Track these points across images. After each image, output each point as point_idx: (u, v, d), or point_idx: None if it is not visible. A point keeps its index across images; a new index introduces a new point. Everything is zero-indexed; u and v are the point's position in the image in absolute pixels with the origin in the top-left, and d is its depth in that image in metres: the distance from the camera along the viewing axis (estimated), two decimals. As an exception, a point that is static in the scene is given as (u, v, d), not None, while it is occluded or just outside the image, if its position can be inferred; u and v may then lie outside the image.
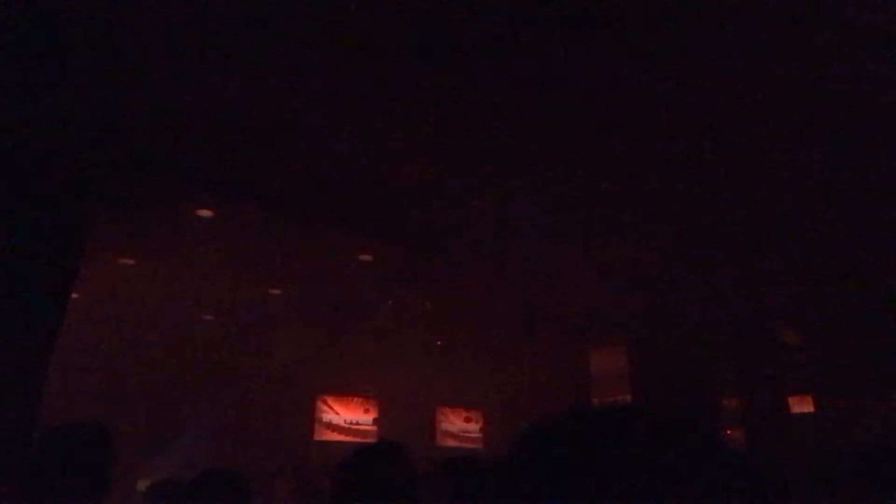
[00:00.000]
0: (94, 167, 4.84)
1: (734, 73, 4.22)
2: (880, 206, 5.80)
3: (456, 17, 3.75)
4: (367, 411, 11.96)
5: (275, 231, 6.73)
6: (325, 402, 11.49)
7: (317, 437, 11.10)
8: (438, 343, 11.19)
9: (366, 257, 7.55)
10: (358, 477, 1.87)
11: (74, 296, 6.04)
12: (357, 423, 11.74)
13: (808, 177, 5.47)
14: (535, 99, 4.56)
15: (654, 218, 6.23)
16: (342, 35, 3.90)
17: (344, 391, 11.70)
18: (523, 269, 7.81)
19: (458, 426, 12.90)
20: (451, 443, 12.44)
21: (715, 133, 4.90)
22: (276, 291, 8.69)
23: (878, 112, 4.53)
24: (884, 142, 4.88)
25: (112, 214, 5.86)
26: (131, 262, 7.56)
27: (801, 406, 10.45)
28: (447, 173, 5.61)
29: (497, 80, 4.36)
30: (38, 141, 4.31)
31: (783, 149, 5.08)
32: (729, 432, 8.81)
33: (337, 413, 11.58)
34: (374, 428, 11.86)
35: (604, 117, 4.75)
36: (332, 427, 11.42)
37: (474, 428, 13.02)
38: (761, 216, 6.20)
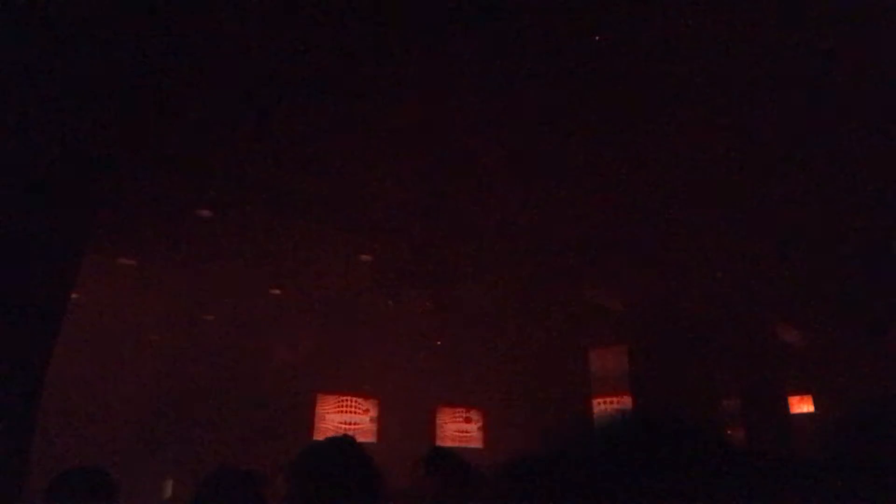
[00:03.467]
0: (95, 167, 4.84)
1: (734, 71, 4.22)
2: (881, 205, 5.80)
3: (456, 15, 3.75)
4: (366, 411, 11.97)
5: (275, 231, 6.73)
6: (324, 402, 11.50)
7: (317, 437, 11.10)
8: (438, 343, 11.19)
9: (366, 257, 7.55)
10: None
11: (74, 296, 6.04)
12: (357, 423, 11.75)
13: (808, 176, 5.47)
14: (535, 98, 4.56)
15: (654, 218, 6.23)
16: (342, 33, 3.89)
17: (344, 391, 11.71)
18: (523, 269, 7.81)
19: (458, 426, 12.90)
20: (451, 443, 12.44)
21: (716, 132, 4.90)
22: (276, 291, 8.69)
23: (880, 111, 4.52)
24: (884, 141, 4.88)
25: (112, 214, 5.86)
26: (131, 262, 7.56)
27: (801, 406, 10.45)
28: (447, 173, 5.61)
29: (498, 80, 4.35)
30: (39, 141, 4.31)
31: (783, 148, 5.08)
32: (729, 432, 8.81)
33: (337, 413, 11.59)
34: (374, 427, 11.87)
35: (604, 117, 4.75)
36: (332, 427, 11.42)
37: (474, 428, 13.02)
38: (761, 216, 6.20)
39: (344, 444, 1.87)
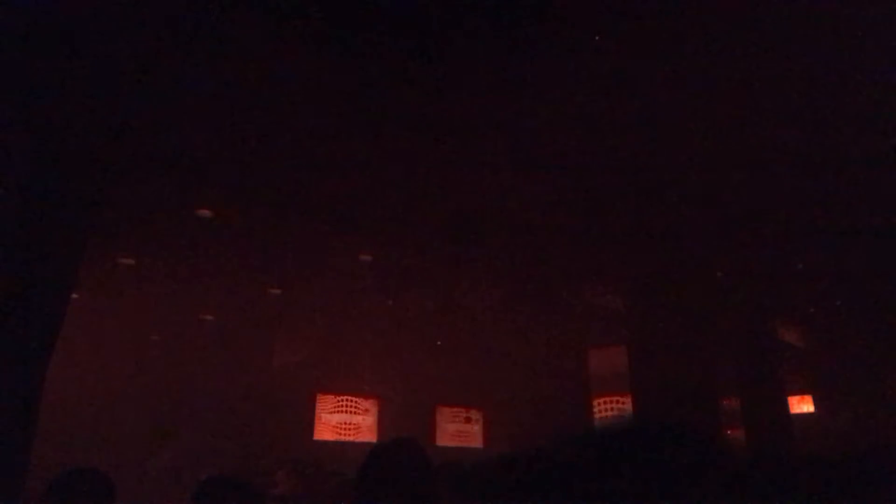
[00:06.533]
0: (95, 167, 4.84)
1: (733, 72, 4.22)
2: (881, 205, 5.81)
3: (454, 16, 3.76)
4: (366, 411, 11.97)
5: (275, 231, 6.73)
6: (324, 402, 11.50)
7: (317, 437, 11.11)
8: (438, 343, 11.20)
9: (366, 257, 7.55)
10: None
11: (74, 296, 6.04)
12: (357, 423, 11.75)
13: (808, 176, 5.47)
14: (536, 97, 4.56)
15: (654, 218, 6.24)
16: (341, 34, 3.90)
17: (344, 391, 11.72)
18: (523, 268, 7.81)
19: (458, 426, 12.90)
20: (451, 443, 12.45)
21: (714, 132, 4.90)
22: (276, 291, 8.69)
23: (879, 112, 4.53)
24: (886, 139, 4.88)
25: (112, 214, 5.86)
26: (131, 262, 7.56)
27: (801, 406, 10.47)
28: (447, 173, 5.61)
29: (498, 78, 4.36)
30: (39, 141, 4.31)
31: (783, 147, 5.09)
32: (729, 432, 8.81)
33: (337, 413, 11.60)
34: (375, 428, 11.88)
35: (602, 116, 4.75)
36: (332, 427, 11.43)
37: (474, 428, 13.02)
38: (761, 215, 6.21)
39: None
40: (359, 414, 11.86)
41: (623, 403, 10.81)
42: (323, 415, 11.40)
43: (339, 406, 11.66)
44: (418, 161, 5.40)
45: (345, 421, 11.60)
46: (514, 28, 3.83)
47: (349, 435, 11.45)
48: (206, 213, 6.21)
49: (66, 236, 4.53)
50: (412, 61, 4.12)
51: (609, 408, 11.59)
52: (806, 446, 8.25)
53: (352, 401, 11.83)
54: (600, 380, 10.75)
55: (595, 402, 11.13)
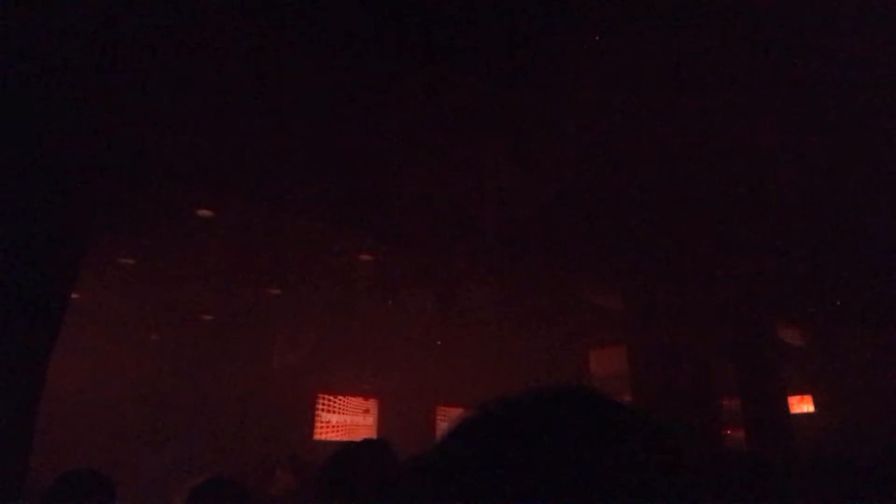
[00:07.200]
0: (95, 167, 4.84)
1: (734, 70, 4.22)
2: (881, 205, 5.81)
3: (453, 15, 3.75)
4: (366, 411, 11.97)
5: (275, 231, 6.73)
6: (324, 402, 11.50)
7: (317, 437, 11.11)
8: (438, 343, 11.20)
9: (366, 257, 7.55)
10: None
11: (74, 296, 6.04)
12: (357, 423, 11.75)
13: (809, 176, 5.47)
14: (536, 97, 4.56)
15: (653, 217, 6.23)
16: (339, 32, 3.89)
17: (344, 391, 11.72)
18: (523, 269, 7.81)
19: (458, 426, 12.88)
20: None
21: (716, 132, 4.90)
22: (276, 291, 8.69)
23: (880, 112, 4.53)
24: (885, 141, 4.88)
25: (112, 214, 5.86)
26: (131, 262, 7.56)
27: (801, 406, 10.47)
28: (448, 173, 5.61)
29: (498, 78, 4.35)
30: (39, 141, 4.31)
31: (783, 148, 5.09)
32: (729, 432, 8.80)
33: (337, 413, 11.60)
34: (375, 428, 11.87)
35: (602, 114, 4.75)
36: (332, 427, 11.43)
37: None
38: (762, 215, 6.20)
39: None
40: (359, 414, 11.86)
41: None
42: (323, 415, 11.40)
43: (338, 406, 11.66)
44: (418, 161, 5.39)
45: (345, 421, 11.60)
46: (515, 28, 3.83)
47: (349, 435, 11.44)
48: (206, 213, 6.20)
49: (66, 236, 4.53)
50: (412, 60, 4.12)
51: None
52: (806, 446, 8.25)
53: (352, 401, 11.83)
54: (600, 380, 10.74)
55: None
